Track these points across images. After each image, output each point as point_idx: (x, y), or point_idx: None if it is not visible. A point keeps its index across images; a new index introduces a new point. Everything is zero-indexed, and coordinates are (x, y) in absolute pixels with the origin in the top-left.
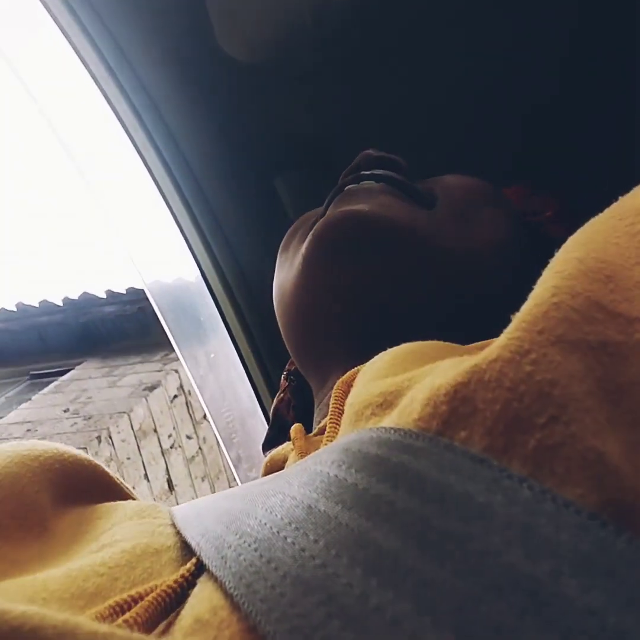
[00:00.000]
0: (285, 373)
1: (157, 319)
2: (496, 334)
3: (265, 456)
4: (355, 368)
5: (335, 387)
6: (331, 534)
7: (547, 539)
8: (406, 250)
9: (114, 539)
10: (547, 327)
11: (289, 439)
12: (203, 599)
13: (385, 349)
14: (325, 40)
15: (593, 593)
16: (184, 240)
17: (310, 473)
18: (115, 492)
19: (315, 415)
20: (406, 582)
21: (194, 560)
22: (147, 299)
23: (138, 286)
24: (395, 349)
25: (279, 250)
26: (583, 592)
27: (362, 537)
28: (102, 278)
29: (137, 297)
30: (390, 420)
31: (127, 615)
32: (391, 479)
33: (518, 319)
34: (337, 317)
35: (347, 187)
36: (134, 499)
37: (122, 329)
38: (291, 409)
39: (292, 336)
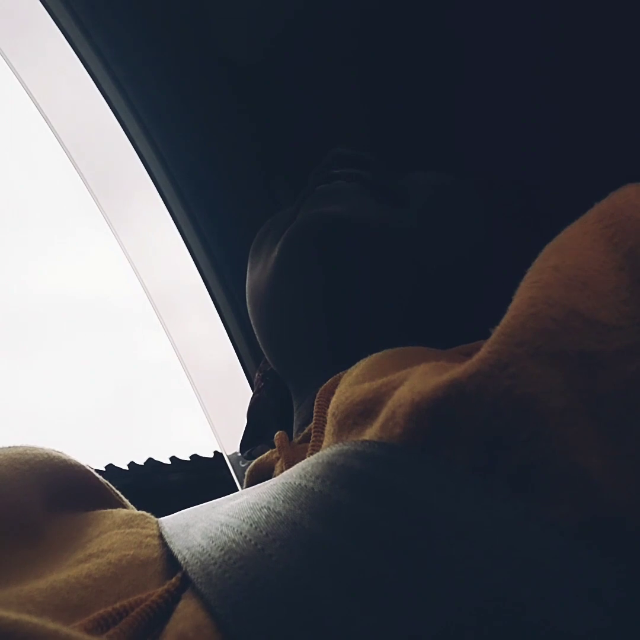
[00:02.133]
0: (259, 373)
1: (220, 487)
2: (476, 335)
3: (243, 455)
4: (337, 375)
5: (317, 396)
6: (315, 554)
7: (531, 560)
8: (378, 252)
9: (101, 548)
10: (525, 339)
11: (267, 440)
12: (187, 615)
13: (362, 352)
14: (326, 40)
15: (579, 618)
16: None
17: (295, 488)
18: (105, 498)
19: (294, 417)
20: (390, 608)
21: (179, 574)
22: (211, 467)
23: (202, 454)
24: (375, 354)
25: (251, 252)
26: (568, 617)
27: (346, 557)
28: (167, 445)
29: (201, 466)
30: (374, 432)
31: (111, 631)
32: (375, 497)
33: (497, 331)
34: (310, 321)
35: (318, 187)
36: (124, 506)
37: (186, 497)
38: (268, 410)
39: (265, 339)
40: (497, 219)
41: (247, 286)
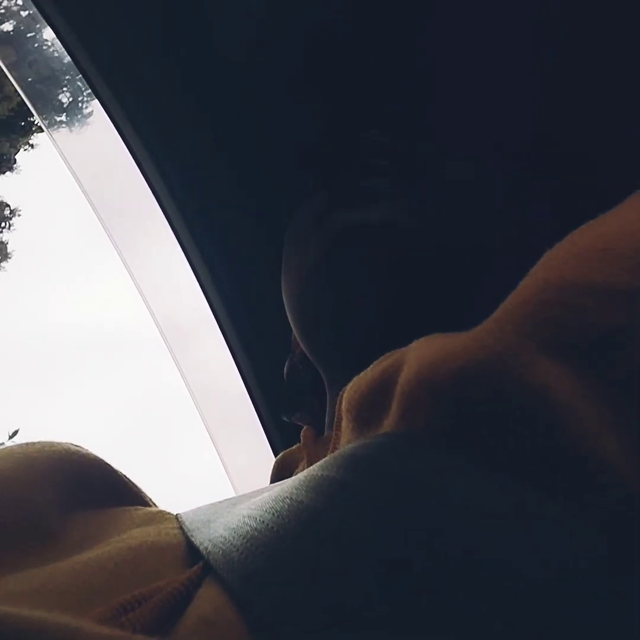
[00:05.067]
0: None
1: None
2: None
3: (284, 418)
4: (357, 377)
5: (340, 396)
6: (337, 538)
7: (557, 548)
8: (413, 260)
9: (120, 538)
10: (534, 331)
11: (305, 407)
12: (208, 599)
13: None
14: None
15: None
16: None
17: (317, 479)
18: (125, 493)
19: (327, 410)
20: (410, 590)
21: (200, 564)
22: None
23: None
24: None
25: (288, 232)
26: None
27: (367, 541)
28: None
29: None
30: (391, 422)
31: (131, 615)
32: (397, 484)
33: (503, 318)
34: (343, 329)
35: (355, 184)
36: (144, 499)
37: None
38: (304, 376)
39: (298, 333)
40: (533, 216)
41: (282, 274)
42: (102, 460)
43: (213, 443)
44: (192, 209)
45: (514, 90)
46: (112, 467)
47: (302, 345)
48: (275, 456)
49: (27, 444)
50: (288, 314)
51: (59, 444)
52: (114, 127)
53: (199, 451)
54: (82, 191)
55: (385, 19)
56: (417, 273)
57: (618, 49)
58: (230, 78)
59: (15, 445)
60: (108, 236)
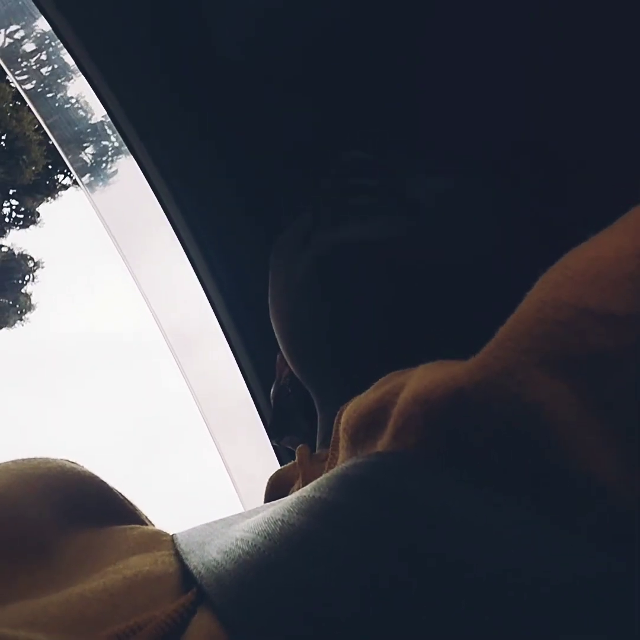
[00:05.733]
0: (281, 358)
1: None
2: None
3: (272, 442)
4: (358, 397)
5: (337, 415)
6: (327, 561)
7: (547, 566)
8: (402, 275)
9: (117, 567)
10: (531, 347)
11: (294, 429)
12: (201, 626)
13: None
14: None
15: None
16: None
17: (309, 500)
18: (120, 511)
19: (318, 427)
20: (406, 613)
21: (194, 589)
22: None
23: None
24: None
25: (274, 253)
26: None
27: (359, 563)
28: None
29: None
30: (385, 442)
31: None
32: (389, 504)
33: (502, 336)
34: (334, 346)
35: (337, 203)
36: (139, 517)
37: None
38: (292, 398)
39: (286, 353)
40: (516, 225)
41: (269, 294)
42: (98, 478)
43: (217, 449)
44: (195, 213)
45: (506, 96)
46: (107, 485)
47: (291, 363)
48: (279, 461)
49: (23, 460)
50: (277, 332)
51: (54, 460)
52: (118, 133)
53: (203, 457)
54: (89, 200)
55: (385, 17)
56: (414, 275)
57: (616, 55)
58: (230, 78)
59: (10, 461)
60: (115, 245)
